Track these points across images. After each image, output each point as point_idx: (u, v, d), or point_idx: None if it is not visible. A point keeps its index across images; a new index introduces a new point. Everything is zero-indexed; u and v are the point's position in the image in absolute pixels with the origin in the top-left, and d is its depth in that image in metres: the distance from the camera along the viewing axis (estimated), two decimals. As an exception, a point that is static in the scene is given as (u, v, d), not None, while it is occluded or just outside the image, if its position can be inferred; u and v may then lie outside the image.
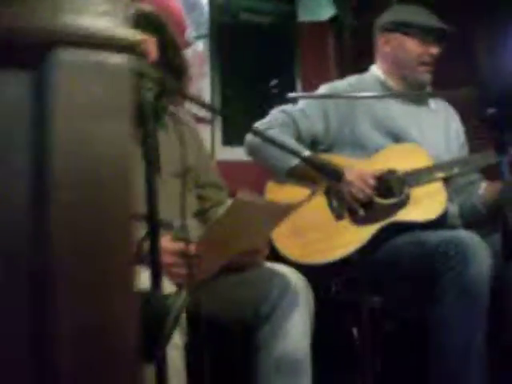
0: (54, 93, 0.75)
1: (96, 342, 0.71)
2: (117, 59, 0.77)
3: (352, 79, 2.42)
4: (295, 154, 1.67)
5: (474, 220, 2.25)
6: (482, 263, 1.82)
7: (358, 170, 2.15)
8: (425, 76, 2.30)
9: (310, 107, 2.27)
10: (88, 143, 0.75)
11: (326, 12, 3.79)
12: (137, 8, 1.88)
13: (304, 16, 3.78)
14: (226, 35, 3.57)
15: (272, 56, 3.66)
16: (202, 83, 3.41)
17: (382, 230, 2.09)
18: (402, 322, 2.16)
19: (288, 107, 2.31)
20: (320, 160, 1.56)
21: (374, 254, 2.08)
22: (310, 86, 3.72)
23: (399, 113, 2.30)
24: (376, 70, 2.41)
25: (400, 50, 2.31)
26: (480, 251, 1.84)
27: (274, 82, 3.63)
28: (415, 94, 2.39)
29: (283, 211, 1.63)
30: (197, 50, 3.49)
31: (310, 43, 3.79)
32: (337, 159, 2.19)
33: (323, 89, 2.36)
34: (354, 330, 2.18)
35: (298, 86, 3.71)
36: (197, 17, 3.52)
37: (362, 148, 2.25)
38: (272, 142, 1.53)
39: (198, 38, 3.51)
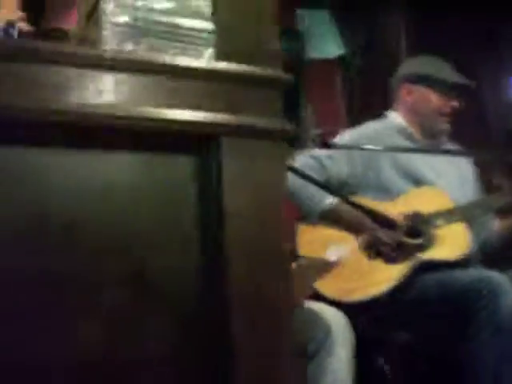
0: (218, 174, 0.86)
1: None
2: (273, 147, 0.88)
3: (373, 125, 2.54)
4: (340, 195, 1.78)
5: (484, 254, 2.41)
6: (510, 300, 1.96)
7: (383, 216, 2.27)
8: (444, 126, 2.45)
9: (337, 152, 2.38)
10: (249, 217, 0.86)
11: (334, 50, 3.96)
12: None
13: (312, 53, 3.93)
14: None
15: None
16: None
17: (411, 271, 2.21)
18: (433, 360, 2.26)
19: (315, 152, 2.41)
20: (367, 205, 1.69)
21: (402, 293, 2.20)
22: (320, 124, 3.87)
23: (419, 159, 2.43)
24: (396, 117, 2.53)
25: (422, 101, 2.45)
26: (509, 288, 1.97)
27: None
28: (442, 152, 2.51)
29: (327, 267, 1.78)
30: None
31: (317, 81, 3.93)
32: (363, 201, 2.31)
33: (348, 135, 2.49)
34: (386, 368, 2.29)
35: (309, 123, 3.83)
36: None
37: (385, 191, 2.37)
38: (310, 179, 1.64)
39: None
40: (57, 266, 0.76)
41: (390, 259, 2.24)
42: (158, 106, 0.83)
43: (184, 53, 0.89)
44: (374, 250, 2.28)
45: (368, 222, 2.20)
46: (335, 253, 2.17)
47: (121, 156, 0.82)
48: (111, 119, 0.79)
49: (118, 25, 0.84)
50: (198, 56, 0.89)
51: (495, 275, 2.02)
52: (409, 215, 2.30)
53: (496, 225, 2.40)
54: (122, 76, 0.80)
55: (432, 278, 2.19)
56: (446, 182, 2.42)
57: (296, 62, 3.90)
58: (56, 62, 0.76)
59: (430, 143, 2.51)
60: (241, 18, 0.93)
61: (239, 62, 0.90)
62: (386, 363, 2.31)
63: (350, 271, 2.24)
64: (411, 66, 2.55)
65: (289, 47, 3.90)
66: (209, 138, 0.86)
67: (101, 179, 0.81)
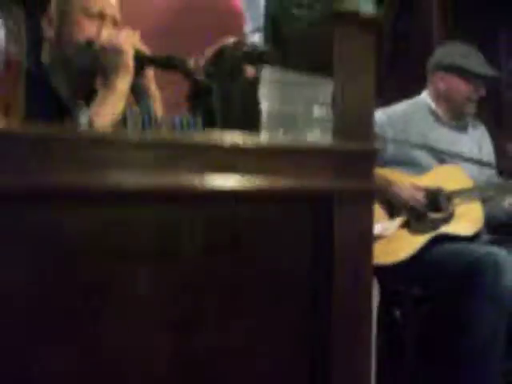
0: (330, 229, 1.20)
1: None
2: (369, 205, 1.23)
3: (405, 105, 2.88)
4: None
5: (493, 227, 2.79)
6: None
7: (411, 183, 2.63)
8: (471, 110, 2.78)
9: (380, 123, 2.72)
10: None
11: (366, 9, 4.17)
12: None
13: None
14: (278, 29, 3.92)
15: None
16: (257, 74, 3.79)
17: (431, 240, 2.59)
18: (442, 313, 2.68)
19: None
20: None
21: (423, 257, 2.59)
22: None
23: (445, 138, 2.78)
24: (427, 98, 2.87)
25: (454, 89, 2.77)
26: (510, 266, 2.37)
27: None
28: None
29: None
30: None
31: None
32: (391, 174, 2.67)
33: (380, 112, 2.82)
34: (397, 312, 2.72)
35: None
36: (254, 11, 3.87)
37: (413, 166, 2.73)
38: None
39: (255, 31, 3.87)
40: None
41: (413, 230, 2.62)
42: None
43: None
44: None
45: (399, 191, 2.59)
46: (380, 226, 2.52)
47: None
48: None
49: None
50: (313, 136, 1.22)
51: (500, 253, 2.40)
52: (432, 190, 2.66)
53: (507, 202, 2.76)
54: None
55: (447, 247, 2.57)
56: (466, 162, 2.77)
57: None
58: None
59: (455, 124, 2.85)
60: (352, 104, 1.24)
61: (349, 139, 1.23)
62: (401, 314, 2.73)
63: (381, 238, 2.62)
64: (445, 55, 2.84)
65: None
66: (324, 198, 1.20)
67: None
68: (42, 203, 0.93)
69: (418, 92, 2.97)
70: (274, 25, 3.85)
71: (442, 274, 2.54)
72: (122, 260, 1.01)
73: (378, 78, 3.49)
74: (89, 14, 1.64)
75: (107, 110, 1.51)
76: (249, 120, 1.14)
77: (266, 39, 3.78)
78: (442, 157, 2.74)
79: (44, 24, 1.67)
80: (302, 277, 1.23)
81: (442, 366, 2.60)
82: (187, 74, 1.56)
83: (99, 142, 0.97)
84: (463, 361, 2.44)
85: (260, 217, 1.15)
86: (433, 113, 2.84)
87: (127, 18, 3.46)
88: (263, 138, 1.13)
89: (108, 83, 1.55)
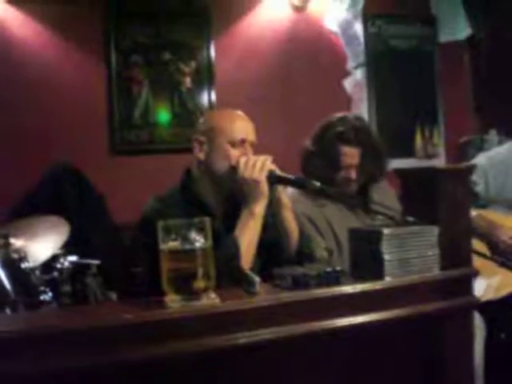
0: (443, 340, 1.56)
1: None
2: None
3: (506, 149, 3.12)
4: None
5: None
6: None
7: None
8: None
9: (477, 178, 2.99)
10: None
11: (463, 32, 4.37)
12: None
13: (444, 37, 4.37)
14: (379, 62, 4.22)
15: (417, 76, 4.31)
16: (362, 108, 4.11)
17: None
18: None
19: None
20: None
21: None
22: (450, 104, 4.37)
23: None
24: None
25: None
26: None
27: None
28: None
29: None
30: (356, 78, 4.18)
31: (447, 63, 4.39)
32: (492, 215, 2.96)
33: (482, 157, 3.09)
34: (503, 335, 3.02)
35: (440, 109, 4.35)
36: (355, 47, 4.18)
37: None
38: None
39: (357, 67, 4.18)
40: None
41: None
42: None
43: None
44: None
45: (501, 232, 2.87)
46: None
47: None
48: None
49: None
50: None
51: None
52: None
53: None
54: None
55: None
56: None
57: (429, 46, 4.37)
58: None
59: None
60: (453, 242, 1.59)
61: (452, 268, 1.57)
62: (507, 337, 3.03)
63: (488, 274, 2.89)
64: None
65: (424, 33, 4.35)
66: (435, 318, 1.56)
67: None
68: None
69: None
70: (374, 59, 4.14)
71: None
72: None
73: (477, 98, 3.74)
74: (233, 144, 2.01)
75: (248, 233, 1.89)
76: (375, 268, 1.51)
77: (368, 73, 4.09)
78: None
79: (195, 146, 2.05)
80: (421, 374, 1.60)
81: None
82: (315, 191, 1.91)
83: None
84: None
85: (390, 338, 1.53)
86: None
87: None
88: (387, 281, 1.50)
89: (248, 209, 1.90)
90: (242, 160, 1.94)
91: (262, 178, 1.91)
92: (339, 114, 2.67)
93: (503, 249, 2.91)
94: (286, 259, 1.97)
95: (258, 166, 1.91)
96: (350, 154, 2.53)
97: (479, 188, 3.03)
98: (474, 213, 2.87)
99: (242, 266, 1.78)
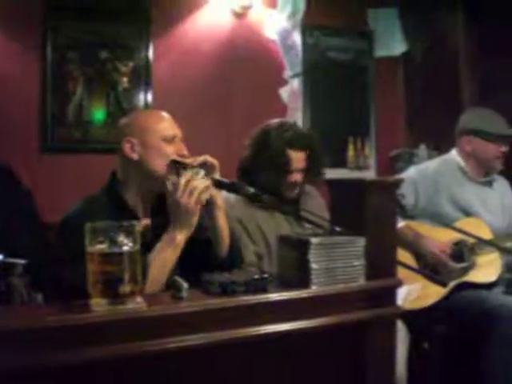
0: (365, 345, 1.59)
1: None
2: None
3: (436, 163, 3.23)
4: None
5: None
6: None
7: (439, 242, 2.98)
8: (498, 166, 3.15)
9: (406, 190, 3.07)
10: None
11: (399, 47, 4.50)
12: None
13: (380, 52, 4.48)
14: (316, 73, 4.29)
15: (352, 88, 4.41)
16: (297, 117, 4.15)
17: (455, 287, 2.96)
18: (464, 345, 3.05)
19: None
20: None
21: (445, 301, 2.95)
22: (382, 118, 4.48)
23: (471, 193, 3.13)
24: (456, 156, 3.21)
25: (480, 150, 3.13)
26: None
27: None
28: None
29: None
30: (292, 87, 4.22)
31: (382, 77, 4.51)
32: (419, 227, 3.05)
33: (413, 170, 3.18)
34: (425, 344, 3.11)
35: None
36: (293, 57, 4.23)
37: (439, 220, 3.08)
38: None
39: (294, 76, 4.23)
40: None
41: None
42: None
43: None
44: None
45: (427, 244, 2.96)
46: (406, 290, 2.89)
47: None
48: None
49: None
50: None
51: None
52: (457, 242, 3.02)
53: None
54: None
55: (469, 294, 2.93)
56: (491, 214, 3.12)
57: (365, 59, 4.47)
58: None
59: (483, 179, 3.20)
60: (379, 254, 1.63)
61: (377, 279, 1.61)
62: (430, 346, 3.12)
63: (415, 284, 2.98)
64: (469, 121, 3.18)
65: (360, 47, 4.45)
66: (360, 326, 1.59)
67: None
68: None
69: (446, 126, 3.30)
70: (311, 69, 4.21)
71: (463, 318, 2.90)
72: None
73: (409, 113, 3.90)
74: (167, 140, 2.00)
75: (162, 260, 1.79)
76: (302, 276, 1.53)
77: (305, 83, 4.14)
78: (468, 211, 3.08)
79: (126, 147, 2.02)
80: (345, 380, 1.63)
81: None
82: (248, 197, 1.92)
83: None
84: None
85: (315, 345, 1.56)
86: (462, 170, 3.18)
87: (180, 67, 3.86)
88: (313, 290, 1.53)
89: (171, 235, 1.82)
90: (182, 182, 1.85)
91: (197, 210, 1.85)
92: (277, 120, 2.73)
93: (430, 261, 3.00)
94: (216, 261, 1.98)
95: (194, 196, 1.83)
96: (298, 159, 2.62)
97: (409, 200, 3.11)
98: (401, 223, 2.98)
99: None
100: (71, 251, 1.63)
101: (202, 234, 1.98)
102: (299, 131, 2.71)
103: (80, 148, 3.69)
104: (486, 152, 3.14)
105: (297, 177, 2.62)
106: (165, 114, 2.08)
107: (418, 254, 3.04)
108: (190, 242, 1.87)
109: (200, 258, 1.96)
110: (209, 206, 1.97)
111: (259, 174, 2.60)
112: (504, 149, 3.15)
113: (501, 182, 3.29)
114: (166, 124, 2.03)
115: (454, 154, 3.24)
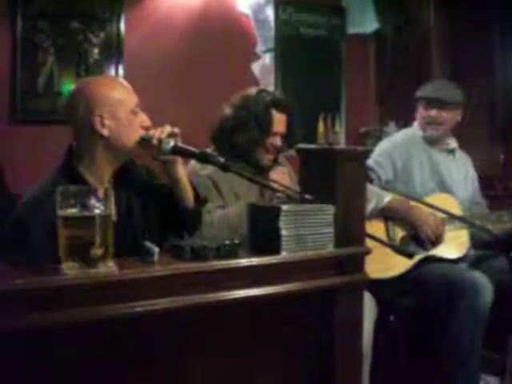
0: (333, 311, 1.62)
1: None
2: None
3: (402, 134, 3.29)
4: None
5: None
6: (487, 297, 2.78)
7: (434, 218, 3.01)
8: (428, 131, 3.20)
9: (383, 161, 3.11)
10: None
11: (371, 25, 4.52)
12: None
13: (352, 29, 4.50)
14: (288, 48, 4.29)
15: (324, 65, 4.42)
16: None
17: (422, 260, 3.02)
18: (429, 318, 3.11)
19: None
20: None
21: (412, 273, 3.00)
22: (353, 95, 4.51)
23: (437, 161, 3.20)
24: (417, 127, 3.27)
25: (419, 116, 3.19)
26: (487, 289, 2.78)
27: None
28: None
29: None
30: (264, 62, 4.23)
31: (354, 54, 4.53)
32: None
33: (385, 143, 3.23)
34: (391, 317, 3.17)
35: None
36: (265, 32, 4.22)
37: (413, 188, 3.12)
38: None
39: (266, 51, 4.23)
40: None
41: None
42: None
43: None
44: (397, 235, 3.06)
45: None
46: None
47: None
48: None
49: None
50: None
51: (479, 277, 2.82)
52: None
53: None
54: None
55: (433, 267, 2.99)
56: (456, 181, 3.22)
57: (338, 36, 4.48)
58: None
59: (442, 148, 3.25)
60: (348, 221, 1.66)
61: (346, 246, 1.64)
62: (395, 319, 3.19)
63: (378, 254, 3.01)
64: (421, 90, 3.24)
65: (333, 24, 4.46)
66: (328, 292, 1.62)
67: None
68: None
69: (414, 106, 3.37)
70: (283, 45, 4.21)
71: (429, 290, 2.96)
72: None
73: (379, 90, 3.95)
74: (134, 112, 1.96)
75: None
76: (272, 243, 1.55)
77: (276, 58, 4.15)
78: (437, 178, 3.14)
79: (96, 123, 1.97)
80: (312, 345, 1.66)
81: (427, 363, 3.06)
82: (220, 167, 1.92)
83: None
84: (447, 362, 2.89)
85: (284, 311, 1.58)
86: (422, 138, 3.24)
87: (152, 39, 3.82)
88: (283, 256, 1.55)
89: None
90: (154, 133, 1.89)
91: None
92: (255, 88, 2.81)
93: (427, 233, 3.00)
94: (184, 212, 2.00)
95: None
96: (280, 120, 2.67)
97: (388, 172, 3.13)
98: (388, 197, 2.99)
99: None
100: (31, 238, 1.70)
101: (165, 189, 2.01)
102: (281, 95, 2.78)
103: (50, 119, 3.64)
104: (421, 118, 3.20)
105: (276, 140, 2.65)
106: (123, 81, 2.01)
107: (415, 226, 3.02)
108: (157, 198, 1.93)
109: (168, 212, 1.99)
110: (167, 164, 1.96)
111: (239, 134, 2.62)
112: (434, 113, 3.15)
113: (463, 155, 3.37)
114: (130, 94, 1.94)
115: (415, 125, 3.30)
